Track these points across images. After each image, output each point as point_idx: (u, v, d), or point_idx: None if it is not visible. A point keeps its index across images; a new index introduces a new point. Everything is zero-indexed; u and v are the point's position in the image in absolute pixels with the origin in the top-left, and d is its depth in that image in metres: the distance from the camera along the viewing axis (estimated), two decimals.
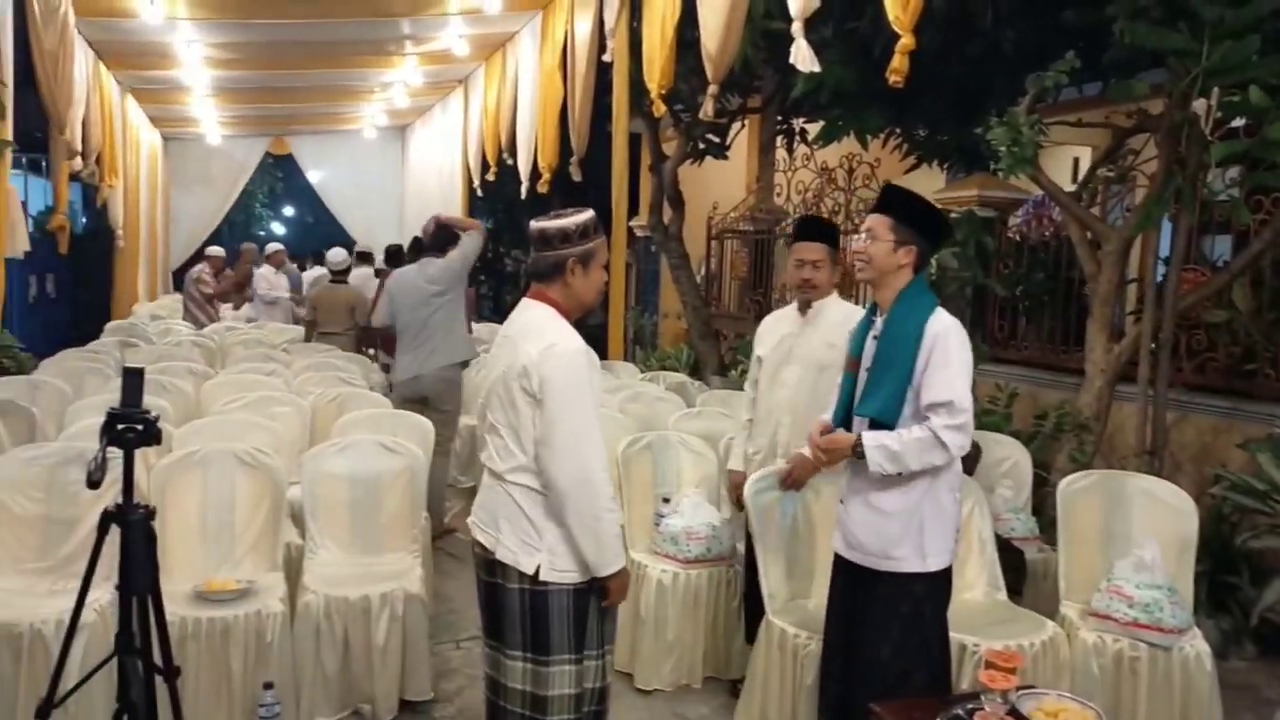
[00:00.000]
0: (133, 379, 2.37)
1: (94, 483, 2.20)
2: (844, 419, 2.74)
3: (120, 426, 2.29)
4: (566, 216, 2.46)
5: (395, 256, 8.24)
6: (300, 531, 3.81)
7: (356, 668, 3.34)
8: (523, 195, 8.90)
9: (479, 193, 10.73)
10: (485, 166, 9.98)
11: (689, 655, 3.73)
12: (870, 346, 2.69)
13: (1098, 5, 4.48)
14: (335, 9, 7.62)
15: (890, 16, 3.70)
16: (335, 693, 3.33)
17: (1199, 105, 4.03)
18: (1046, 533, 4.09)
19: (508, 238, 15.56)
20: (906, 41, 3.68)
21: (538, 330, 2.41)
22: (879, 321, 2.69)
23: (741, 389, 3.94)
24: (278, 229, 24.80)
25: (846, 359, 2.79)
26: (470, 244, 5.37)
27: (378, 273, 8.55)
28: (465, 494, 6.07)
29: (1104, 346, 4.75)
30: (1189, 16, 3.98)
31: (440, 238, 5.50)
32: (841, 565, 2.77)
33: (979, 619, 3.18)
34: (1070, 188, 5.57)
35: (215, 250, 10.26)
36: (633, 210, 9.68)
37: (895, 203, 2.70)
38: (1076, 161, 9.10)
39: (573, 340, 2.39)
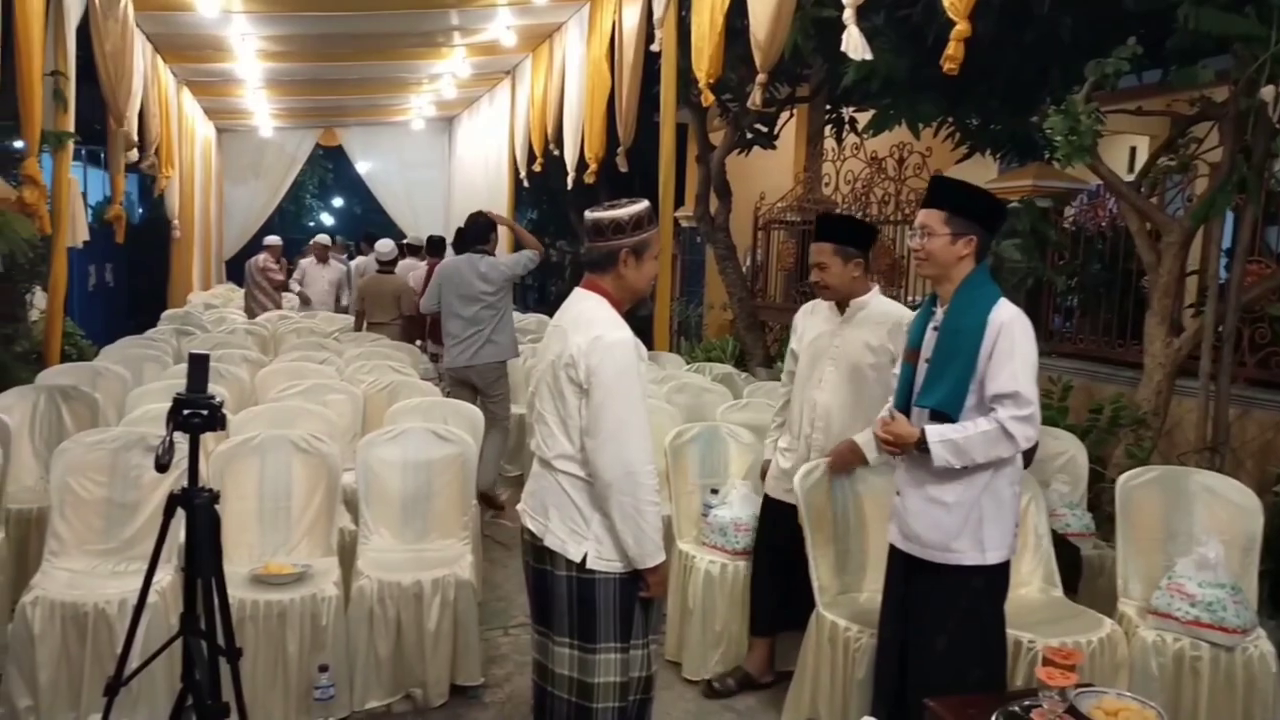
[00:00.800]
0: (198, 364, 2.40)
1: (162, 466, 2.24)
2: (904, 410, 2.68)
3: (186, 411, 2.33)
4: (620, 207, 2.45)
5: (437, 247, 8.32)
6: (353, 517, 3.87)
7: (409, 652, 3.39)
8: (569, 186, 8.92)
9: (525, 184, 10.73)
10: (531, 157, 9.98)
11: (736, 646, 3.72)
12: (930, 337, 2.64)
13: None
14: (385, 1, 7.69)
15: (945, 3, 3.63)
16: (388, 676, 3.38)
17: (1266, 92, 3.91)
18: (1101, 529, 4.01)
19: (553, 229, 15.59)
20: (962, 28, 3.60)
21: (587, 320, 2.41)
22: (939, 312, 2.64)
23: None
24: (327, 220, 25.23)
25: (905, 350, 2.75)
26: (527, 257, 5.75)
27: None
28: (512, 483, 6.13)
29: (1163, 340, 4.64)
30: (1257, 1, 3.86)
31: (481, 228, 5.63)
32: (898, 558, 2.74)
33: (1035, 615, 3.13)
34: (1128, 178, 5.43)
35: (274, 239, 10.44)
36: (679, 201, 9.66)
37: (946, 194, 2.64)
38: (1133, 151, 8.90)
39: (621, 331, 2.38)
